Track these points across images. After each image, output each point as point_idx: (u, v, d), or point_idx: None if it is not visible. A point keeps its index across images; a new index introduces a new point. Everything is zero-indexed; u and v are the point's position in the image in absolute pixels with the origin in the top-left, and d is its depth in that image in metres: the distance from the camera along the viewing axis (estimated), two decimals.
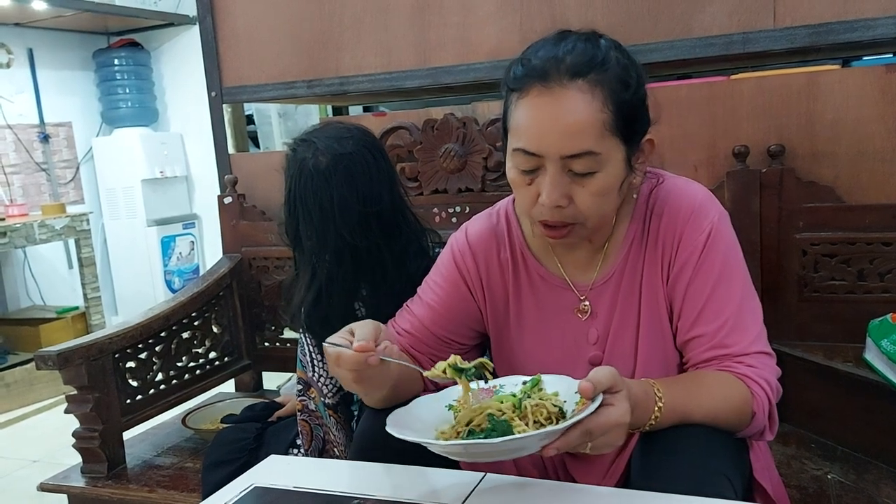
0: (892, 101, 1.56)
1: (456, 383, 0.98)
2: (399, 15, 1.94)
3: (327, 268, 1.35)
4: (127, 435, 1.73)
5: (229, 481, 1.00)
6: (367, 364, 0.91)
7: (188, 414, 1.87)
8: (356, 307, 1.37)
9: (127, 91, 4.33)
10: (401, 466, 0.98)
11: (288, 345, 2.08)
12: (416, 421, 0.94)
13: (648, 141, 1.04)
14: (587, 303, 1.12)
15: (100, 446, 1.62)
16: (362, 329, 0.94)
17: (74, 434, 1.64)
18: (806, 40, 1.61)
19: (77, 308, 3.95)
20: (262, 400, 1.80)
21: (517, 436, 0.82)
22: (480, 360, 0.98)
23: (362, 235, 1.32)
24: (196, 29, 2.31)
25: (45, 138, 4.24)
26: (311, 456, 1.42)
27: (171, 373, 1.85)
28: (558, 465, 1.16)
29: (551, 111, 0.95)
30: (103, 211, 4.43)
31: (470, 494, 0.90)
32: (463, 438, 0.88)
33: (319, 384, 1.40)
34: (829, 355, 1.53)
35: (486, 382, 1.02)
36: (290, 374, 2.09)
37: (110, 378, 1.64)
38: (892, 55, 1.97)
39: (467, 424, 0.90)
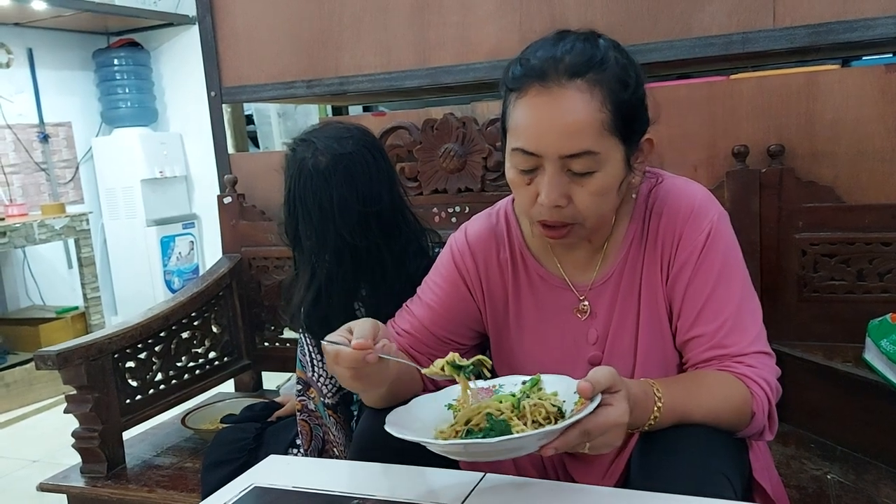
0: (891, 100, 1.56)
1: (454, 381, 0.98)
2: (398, 14, 1.94)
3: (327, 268, 1.35)
4: (126, 435, 1.73)
5: (229, 481, 1.00)
6: (366, 362, 0.91)
7: (188, 414, 1.87)
8: (356, 307, 1.37)
9: (126, 91, 4.33)
10: (400, 466, 0.98)
11: (287, 345, 2.08)
12: (416, 420, 0.95)
13: (647, 141, 1.04)
14: (586, 303, 1.12)
15: (99, 446, 1.62)
16: (361, 327, 0.94)
17: (74, 434, 1.64)
18: (805, 40, 1.61)
19: (77, 308, 3.95)
20: (261, 400, 1.80)
21: (515, 436, 0.82)
22: (478, 357, 0.98)
23: (362, 235, 1.32)
24: (196, 29, 2.31)
25: (45, 138, 4.24)
26: (311, 456, 1.42)
27: (171, 373, 1.85)
28: (558, 465, 1.16)
29: (550, 111, 0.95)
30: (103, 211, 4.43)
31: (469, 494, 0.90)
32: (461, 438, 0.88)
33: (319, 384, 1.40)
34: (828, 355, 1.53)
35: (485, 381, 1.02)
36: (289, 374, 2.09)
37: (110, 378, 1.64)
38: (891, 55, 1.97)
39: (466, 424, 0.90)
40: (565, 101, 0.94)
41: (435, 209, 1.86)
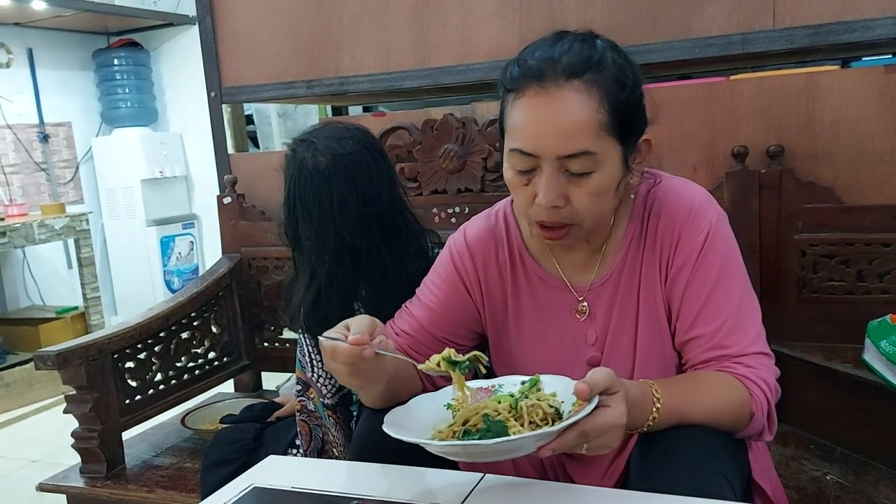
0: (891, 101, 1.56)
1: (450, 378, 0.98)
2: (398, 15, 1.94)
3: (326, 268, 1.35)
4: (126, 435, 1.73)
5: (228, 481, 1.00)
6: (362, 357, 0.91)
7: (187, 414, 1.87)
8: (355, 307, 1.37)
9: (126, 91, 4.33)
10: (399, 467, 0.98)
11: (287, 345, 2.08)
12: (414, 420, 0.95)
13: (645, 141, 1.04)
14: (585, 304, 1.12)
15: (99, 446, 1.62)
16: (358, 323, 0.94)
17: (73, 434, 1.64)
18: (805, 41, 1.61)
19: (76, 308, 3.95)
20: (261, 400, 1.80)
21: (513, 437, 0.83)
22: (474, 353, 0.98)
23: (362, 236, 1.32)
24: (195, 29, 2.31)
25: (45, 138, 4.24)
26: (310, 456, 1.42)
27: (171, 373, 1.85)
28: (557, 466, 1.16)
29: (547, 111, 0.95)
30: (103, 211, 4.43)
31: (469, 495, 0.90)
32: (459, 439, 0.88)
33: (318, 384, 1.40)
34: (828, 356, 1.53)
35: (484, 381, 1.02)
36: (289, 375, 2.08)
37: (109, 378, 1.64)
38: (891, 56, 1.97)
39: (463, 424, 0.90)
40: (563, 102, 0.94)
41: (435, 209, 1.86)
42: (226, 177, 2.11)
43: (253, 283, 2.08)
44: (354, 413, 1.42)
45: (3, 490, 2.63)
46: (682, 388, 0.98)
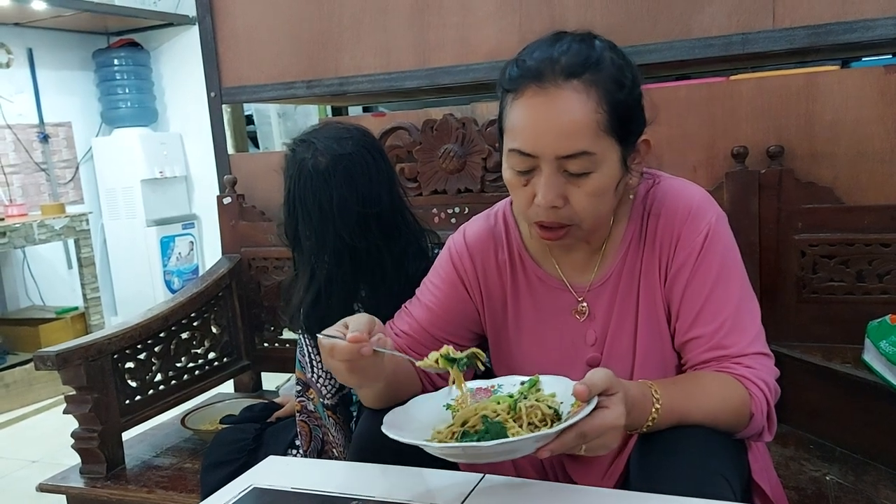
0: (891, 102, 1.56)
1: (448, 375, 0.98)
2: (398, 15, 1.94)
3: (326, 268, 1.35)
4: (126, 435, 1.73)
5: (228, 482, 1.00)
6: (361, 355, 0.90)
7: (187, 414, 1.87)
8: (355, 308, 1.37)
9: (126, 91, 4.33)
10: (399, 467, 0.98)
11: (287, 345, 2.08)
12: (414, 421, 0.95)
13: (644, 141, 1.04)
14: (585, 304, 1.12)
15: (99, 447, 1.62)
16: (357, 321, 0.94)
17: (73, 435, 1.64)
18: (805, 41, 1.61)
19: (76, 308, 3.95)
20: (260, 401, 1.80)
21: (511, 439, 0.83)
22: (472, 349, 0.98)
23: (361, 236, 1.32)
24: (195, 29, 2.31)
25: (45, 138, 4.24)
26: (310, 457, 1.42)
27: (170, 373, 1.85)
28: (557, 466, 1.16)
29: (546, 111, 0.95)
30: (103, 211, 4.43)
31: (469, 495, 0.90)
32: (457, 440, 0.88)
33: (318, 385, 1.40)
34: (827, 356, 1.53)
35: (484, 381, 1.02)
36: (289, 375, 2.09)
37: (109, 378, 1.64)
38: (891, 56, 1.97)
39: (462, 425, 0.90)
40: (561, 102, 0.94)
41: (434, 210, 1.86)
42: (226, 177, 2.11)
43: (253, 284, 2.08)
44: (354, 413, 1.43)
45: (3, 490, 2.63)
46: (681, 388, 0.98)
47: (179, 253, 4.46)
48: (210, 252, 4.55)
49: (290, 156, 1.36)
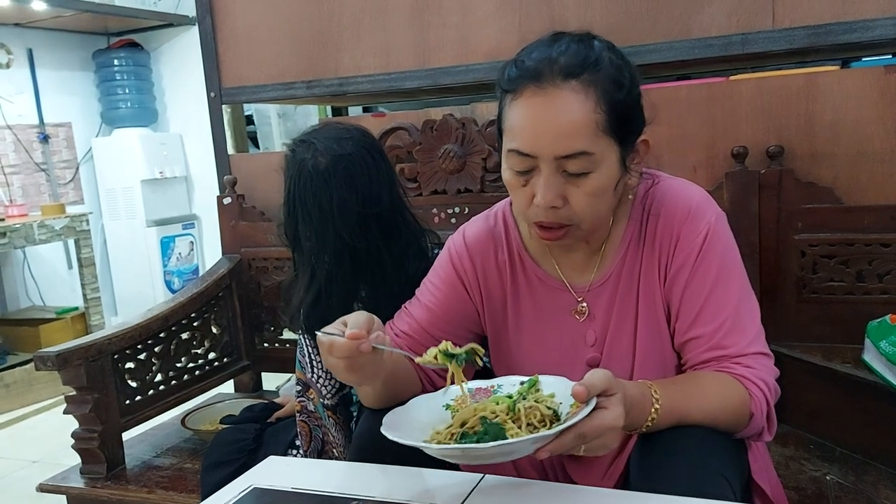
0: (891, 102, 1.56)
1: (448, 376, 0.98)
2: (398, 15, 1.94)
3: (326, 269, 1.35)
4: (126, 436, 1.73)
5: (228, 482, 1.00)
6: (359, 351, 0.90)
7: (187, 415, 1.87)
8: (355, 308, 1.37)
9: (126, 91, 4.33)
10: (399, 467, 0.98)
11: (287, 345, 2.08)
12: (413, 421, 0.95)
13: (643, 142, 1.04)
14: (584, 304, 1.12)
15: (99, 447, 1.62)
16: (355, 319, 0.94)
17: (73, 435, 1.64)
18: (805, 41, 1.61)
19: (76, 308, 3.95)
20: (261, 401, 1.80)
21: (509, 441, 0.83)
22: (471, 344, 0.98)
23: (361, 236, 1.32)
24: (195, 29, 2.31)
25: (45, 139, 4.24)
26: (310, 457, 1.42)
27: (171, 373, 1.85)
28: (557, 467, 1.16)
29: (545, 112, 0.95)
30: (103, 211, 4.43)
31: (469, 495, 0.90)
32: (456, 441, 0.88)
33: (318, 385, 1.40)
34: (827, 356, 1.53)
35: (483, 382, 1.02)
36: (289, 375, 2.09)
37: (109, 379, 1.64)
38: (891, 56, 1.97)
39: (461, 426, 0.90)
40: (560, 102, 0.94)
41: (434, 210, 1.86)
42: (226, 177, 2.11)
43: (253, 284, 2.08)
44: (354, 414, 1.43)
45: (3, 490, 2.63)
46: (681, 388, 0.98)
47: (179, 253, 4.46)
48: (210, 252, 4.56)
49: (290, 156, 1.36)
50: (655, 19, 1.72)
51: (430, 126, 1.83)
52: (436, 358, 0.96)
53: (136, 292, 4.38)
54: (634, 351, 1.09)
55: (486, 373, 1.23)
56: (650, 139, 1.04)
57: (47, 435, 3.11)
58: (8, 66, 4.04)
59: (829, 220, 1.57)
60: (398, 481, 0.95)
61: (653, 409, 0.93)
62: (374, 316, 0.96)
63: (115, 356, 1.67)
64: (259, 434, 1.55)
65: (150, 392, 1.78)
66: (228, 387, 2.16)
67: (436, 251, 1.31)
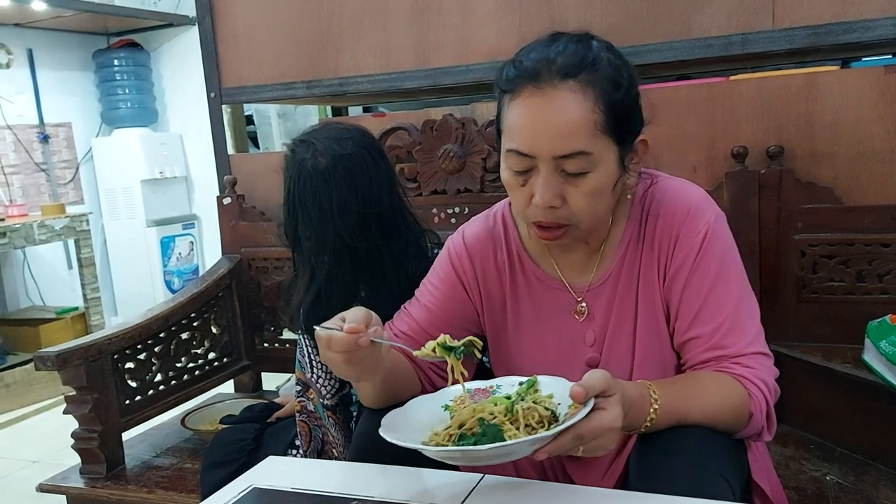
0: (891, 102, 1.56)
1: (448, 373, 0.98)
2: (398, 16, 1.94)
3: (326, 269, 1.35)
4: (126, 436, 1.73)
5: (228, 482, 1.00)
6: (358, 345, 0.90)
7: (187, 415, 1.87)
8: None
9: (126, 91, 4.33)
10: (399, 467, 0.98)
11: (287, 345, 2.08)
12: (412, 422, 0.95)
13: (642, 142, 1.04)
14: (584, 304, 1.12)
15: (99, 447, 1.62)
16: (354, 314, 0.94)
17: (73, 435, 1.64)
18: (805, 41, 1.61)
19: (76, 308, 3.95)
20: (260, 401, 1.80)
21: (507, 442, 0.83)
22: (469, 337, 0.98)
23: (361, 236, 1.32)
24: (195, 29, 2.31)
25: (45, 139, 4.24)
26: (310, 457, 1.42)
27: (171, 373, 1.85)
28: (557, 467, 1.16)
29: (543, 111, 0.95)
30: (103, 211, 4.43)
31: (468, 495, 0.90)
32: (454, 442, 0.88)
33: (318, 385, 1.40)
34: (827, 356, 1.53)
35: (482, 382, 1.02)
36: (289, 375, 2.09)
37: (109, 379, 1.64)
38: (891, 56, 1.97)
39: (459, 427, 0.90)
40: (558, 102, 0.94)
41: (434, 210, 1.86)
42: (226, 177, 2.11)
43: (253, 284, 2.08)
44: (354, 414, 1.43)
45: (3, 490, 2.63)
46: (680, 388, 0.98)
47: (179, 253, 4.46)
48: (210, 252, 4.56)
49: (290, 156, 1.36)
50: (655, 19, 1.72)
51: (430, 126, 1.83)
52: (434, 351, 0.97)
53: (136, 292, 4.38)
54: (634, 351, 1.09)
55: (485, 373, 1.23)
56: (649, 139, 1.04)
57: (47, 435, 3.11)
58: (8, 66, 4.04)
59: (829, 220, 1.57)
60: (398, 481, 0.95)
61: (651, 410, 0.93)
62: (372, 312, 0.96)
63: (115, 356, 1.67)
64: (259, 434, 1.55)
65: (150, 392, 1.78)
66: (228, 387, 2.16)
67: (435, 251, 1.31)
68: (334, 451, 1.40)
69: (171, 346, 1.86)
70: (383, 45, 1.97)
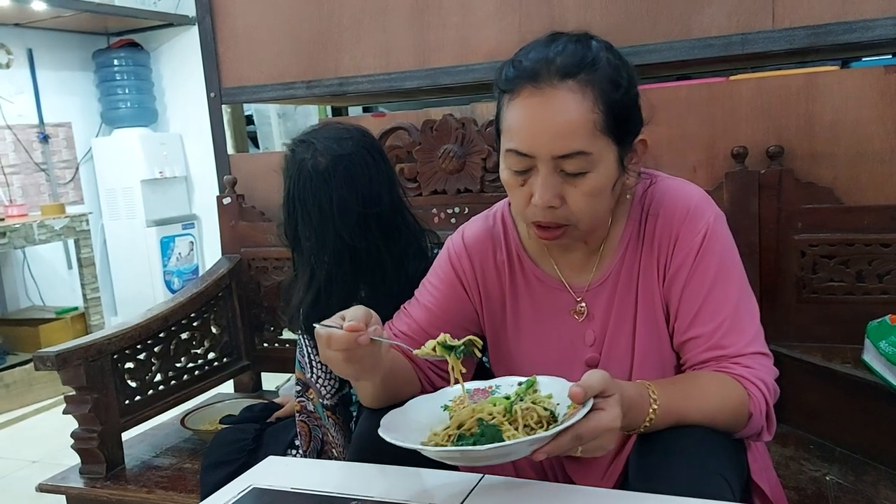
0: (890, 102, 1.56)
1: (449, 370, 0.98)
2: (398, 16, 1.94)
3: (326, 269, 1.35)
4: (126, 436, 1.73)
5: (228, 482, 1.00)
6: (357, 344, 0.90)
7: (187, 415, 1.87)
8: None
9: (126, 91, 4.33)
10: (398, 467, 0.98)
11: (287, 345, 2.08)
12: (411, 423, 0.95)
13: (641, 141, 1.04)
14: (583, 304, 1.12)
15: (98, 447, 1.62)
16: (353, 313, 0.94)
17: (73, 435, 1.64)
18: (805, 41, 1.61)
19: (76, 308, 3.95)
20: (260, 401, 1.80)
21: (506, 443, 0.83)
22: (469, 336, 0.98)
23: (361, 236, 1.32)
24: (195, 29, 2.31)
25: (45, 139, 4.24)
26: (310, 457, 1.42)
27: (170, 373, 1.85)
28: (556, 467, 1.16)
29: (542, 111, 0.95)
30: (103, 211, 4.43)
31: (468, 495, 0.90)
32: (453, 443, 0.88)
33: (318, 385, 1.40)
34: (827, 356, 1.53)
35: (482, 382, 1.02)
36: (288, 375, 2.08)
37: (109, 379, 1.64)
38: (891, 56, 1.97)
39: (458, 428, 0.90)
40: (557, 102, 0.94)
41: (434, 210, 1.86)
42: (225, 177, 2.11)
43: (253, 284, 2.08)
44: (354, 414, 1.43)
45: (3, 490, 2.63)
46: (679, 388, 0.98)
47: (179, 253, 4.46)
48: (210, 252, 4.56)
49: (290, 156, 1.36)
50: (655, 19, 1.72)
51: (429, 126, 1.83)
52: (434, 350, 0.97)
53: (136, 292, 4.38)
54: (633, 351, 1.09)
55: (485, 373, 1.23)
56: (649, 139, 1.04)
57: (47, 435, 3.11)
58: (8, 66, 4.04)
59: (828, 220, 1.57)
60: (397, 481, 0.95)
61: (651, 410, 0.93)
62: (372, 310, 0.96)
63: (115, 356, 1.67)
64: (258, 434, 1.55)
65: (150, 392, 1.78)
66: (228, 387, 2.16)
67: (435, 251, 1.31)
68: (334, 451, 1.40)
69: (171, 346, 1.86)
70: (383, 45, 1.97)
